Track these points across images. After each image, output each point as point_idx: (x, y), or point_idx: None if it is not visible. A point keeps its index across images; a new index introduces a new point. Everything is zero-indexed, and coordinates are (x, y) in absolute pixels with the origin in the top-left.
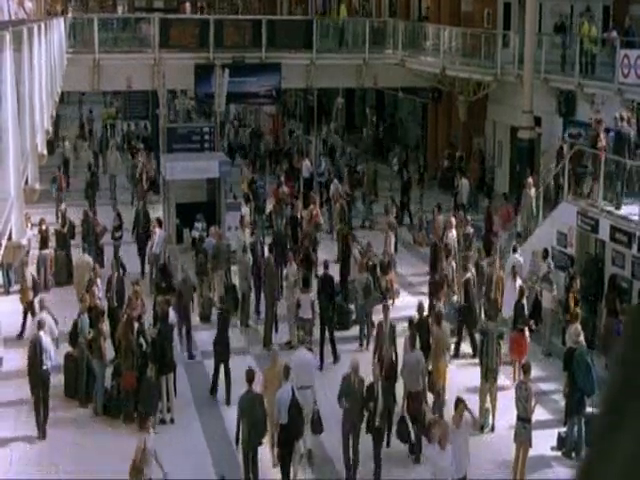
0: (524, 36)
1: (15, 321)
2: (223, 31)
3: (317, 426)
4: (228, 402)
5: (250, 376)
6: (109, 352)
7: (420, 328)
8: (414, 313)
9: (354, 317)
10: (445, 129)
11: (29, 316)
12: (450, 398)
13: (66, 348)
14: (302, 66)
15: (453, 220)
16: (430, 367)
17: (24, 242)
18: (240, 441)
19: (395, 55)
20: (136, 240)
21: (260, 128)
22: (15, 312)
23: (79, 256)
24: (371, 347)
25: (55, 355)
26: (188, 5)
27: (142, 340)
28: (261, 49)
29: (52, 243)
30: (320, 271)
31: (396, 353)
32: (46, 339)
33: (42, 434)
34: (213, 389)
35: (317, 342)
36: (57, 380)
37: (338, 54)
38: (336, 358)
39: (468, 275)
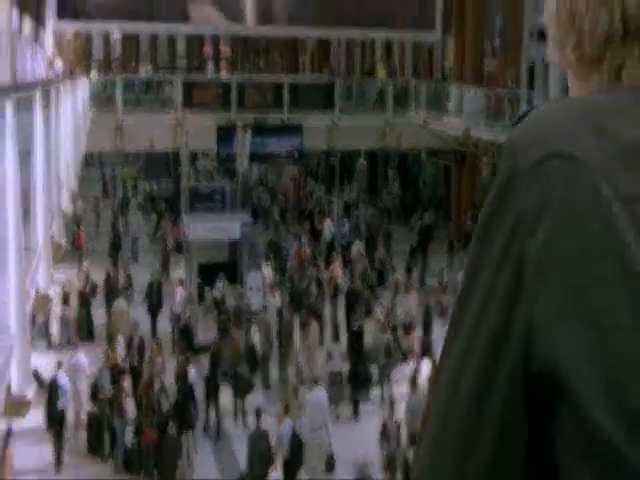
0: (548, 97)
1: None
2: (245, 92)
3: (331, 467)
4: (218, 435)
5: (258, 414)
6: (131, 410)
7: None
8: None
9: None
10: (469, 191)
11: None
12: None
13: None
14: (324, 127)
15: None
16: None
17: (51, 294)
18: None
19: (418, 116)
20: (148, 310)
21: (275, 188)
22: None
23: (117, 304)
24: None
25: (70, 395)
26: (210, 64)
27: (163, 397)
28: (283, 110)
29: (74, 302)
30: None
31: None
32: (63, 378)
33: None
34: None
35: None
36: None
37: (360, 115)
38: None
39: None
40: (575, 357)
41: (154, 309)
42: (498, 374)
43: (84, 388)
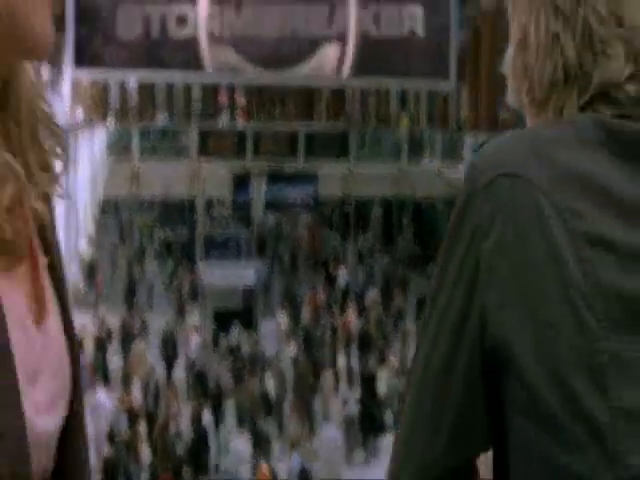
0: None
1: None
2: (260, 140)
3: None
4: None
5: (265, 445)
6: (146, 455)
7: None
8: None
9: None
10: None
11: None
12: None
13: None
14: (339, 175)
15: None
16: None
17: None
18: None
19: (433, 164)
20: (164, 357)
21: (290, 235)
22: None
23: (135, 347)
24: None
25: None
26: (226, 113)
27: (178, 442)
28: (298, 158)
29: (87, 347)
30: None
31: None
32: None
33: None
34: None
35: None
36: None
37: (375, 163)
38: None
39: None
40: (524, 355)
41: (169, 356)
42: (461, 352)
43: (104, 427)
